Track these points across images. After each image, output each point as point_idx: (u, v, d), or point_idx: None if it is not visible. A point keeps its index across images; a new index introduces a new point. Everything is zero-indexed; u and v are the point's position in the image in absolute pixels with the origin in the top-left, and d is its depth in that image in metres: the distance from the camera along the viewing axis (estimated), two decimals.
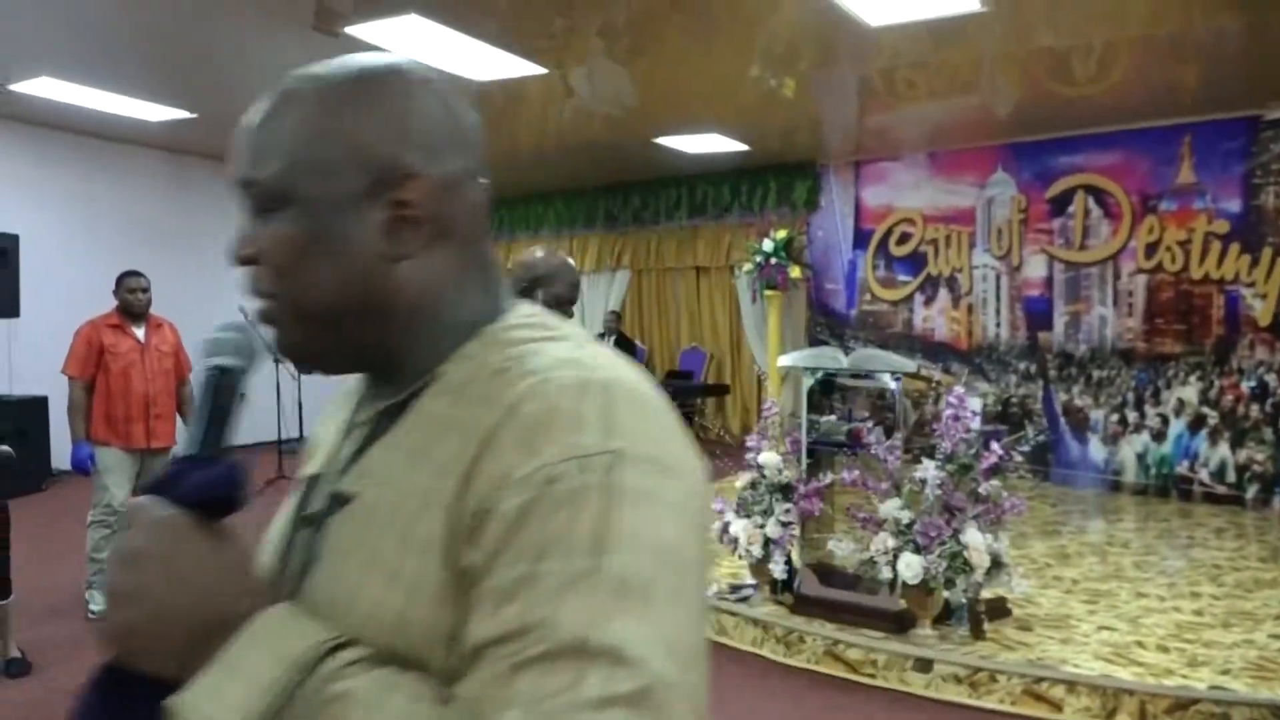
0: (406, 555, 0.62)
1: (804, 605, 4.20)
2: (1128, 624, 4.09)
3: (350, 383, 0.83)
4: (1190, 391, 7.10)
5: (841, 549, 4.05)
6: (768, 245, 8.51)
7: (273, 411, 7.89)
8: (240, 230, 0.72)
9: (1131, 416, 7.36)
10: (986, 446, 3.86)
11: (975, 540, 3.67)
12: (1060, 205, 7.67)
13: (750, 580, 4.48)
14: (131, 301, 4.44)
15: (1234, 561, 5.21)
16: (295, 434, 7.70)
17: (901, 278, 8.61)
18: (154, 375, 4.45)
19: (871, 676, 3.80)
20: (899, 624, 3.93)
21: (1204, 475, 7.02)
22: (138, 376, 4.39)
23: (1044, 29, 5.19)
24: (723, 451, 6.57)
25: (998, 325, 8.07)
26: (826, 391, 4.56)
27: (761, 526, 4.25)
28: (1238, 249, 6.88)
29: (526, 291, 2.60)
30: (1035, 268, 7.84)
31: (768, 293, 8.64)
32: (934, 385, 7.07)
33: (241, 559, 0.66)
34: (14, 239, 6.92)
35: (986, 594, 3.94)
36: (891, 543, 3.80)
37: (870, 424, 4.13)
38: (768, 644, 4.13)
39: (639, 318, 10.73)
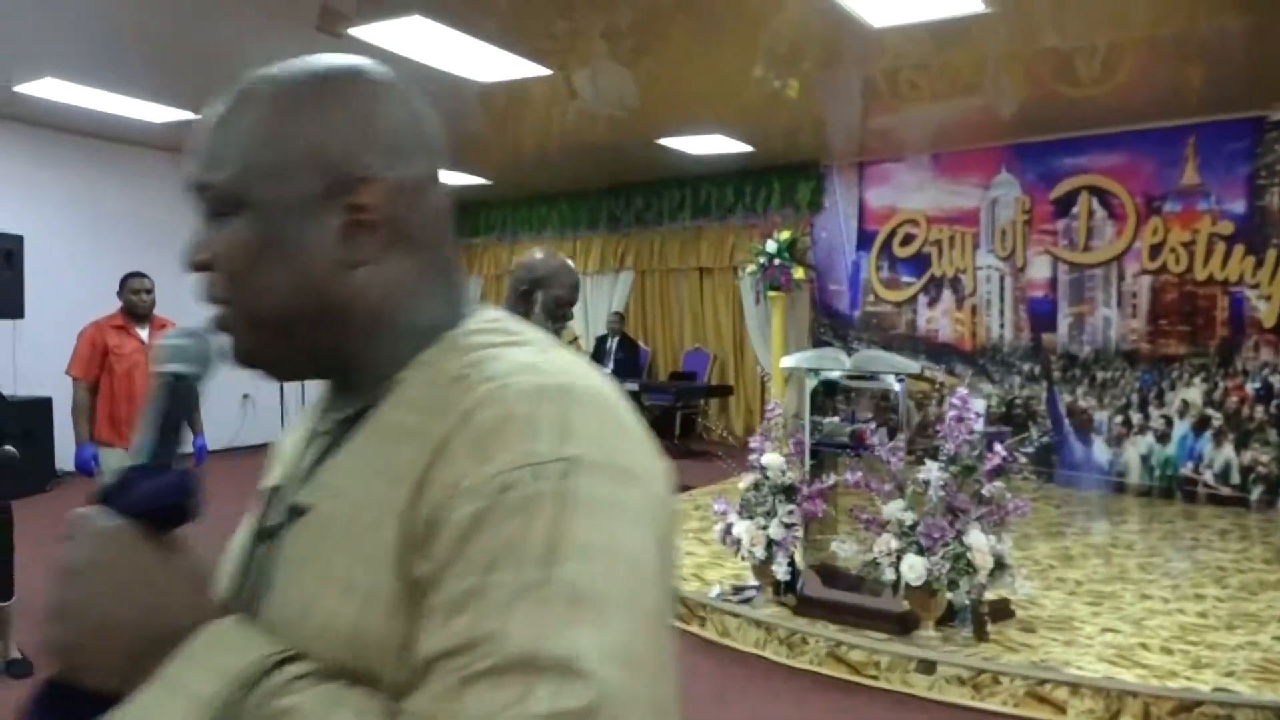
0: (359, 567, 0.60)
1: (807, 607, 4.19)
2: (1131, 626, 4.09)
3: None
4: (1194, 393, 7.09)
5: (844, 550, 4.05)
6: (771, 246, 8.51)
7: (276, 412, 7.91)
8: (194, 235, 0.70)
9: (1136, 418, 7.35)
10: (990, 448, 3.85)
11: (979, 542, 3.66)
12: (1064, 206, 7.66)
13: (753, 582, 4.47)
14: (135, 302, 4.44)
15: (1238, 563, 5.20)
16: None
17: (905, 279, 8.60)
18: None
19: (874, 678, 3.80)
20: (902, 625, 3.92)
21: (1208, 477, 7.00)
22: (141, 378, 4.39)
23: (1048, 30, 5.18)
24: (726, 453, 6.56)
25: (1001, 326, 8.05)
26: (830, 393, 4.56)
27: (764, 528, 4.24)
28: (1242, 250, 6.87)
29: (526, 294, 2.59)
30: (1039, 269, 7.83)
31: (771, 294, 8.63)
32: (937, 386, 7.06)
33: (190, 571, 0.64)
34: (18, 240, 6.93)
35: (990, 596, 3.93)
36: (895, 544, 3.80)
37: (873, 425, 4.12)
38: (771, 645, 4.13)
39: (642, 319, 10.73)
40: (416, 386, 0.66)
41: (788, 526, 4.21)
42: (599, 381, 0.64)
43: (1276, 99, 6.51)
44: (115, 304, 4.50)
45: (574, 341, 11.73)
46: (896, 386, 4.20)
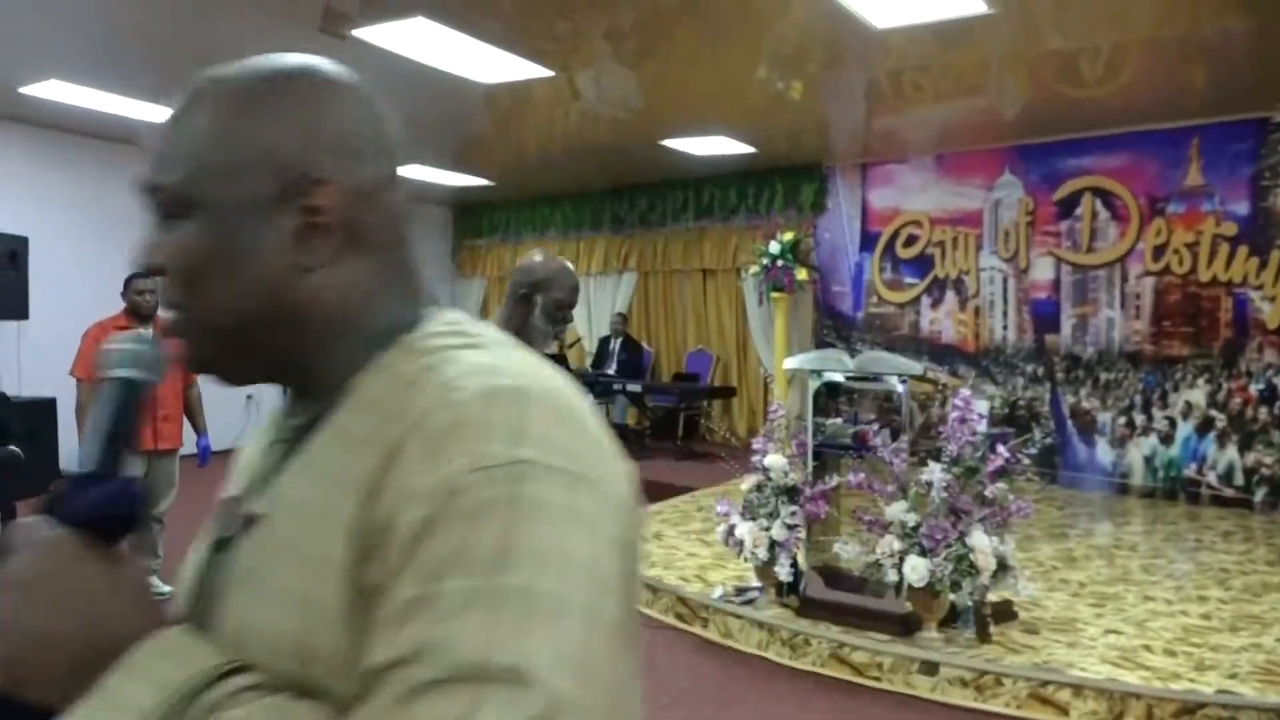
0: (309, 577, 0.59)
1: (809, 608, 4.19)
2: (1135, 627, 4.08)
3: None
4: (1198, 394, 7.08)
5: (847, 552, 4.05)
6: (774, 247, 8.52)
7: None
8: (145, 238, 0.68)
9: (1139, 419, 7.34)
10: (993, 449, 3.85)
11: (981, 543, 3.66)
12: (1068, 207, 7.66)
13: (756, 583, 4.47)
14: (139, 303, 4.45)
15: (1242, 565, 5.19)
16: None
17: (908, 280, 8.60)
18: None
19: (877, 679, 3.80)
20: (905, 627, 3.92)
21: (1212, 478, 6.99)
22: None
23: (1051, 31, 5.18)
24: (729, 454, 6.57)
25: (1005, 328, 8.05)
26: (833, 394, 4.56)
27: (767, 529, 4.24)
28: (1246, 251, 6.86)
29: (526, 297, 2.58)
30: (1042, 270, 7.82)
31: (774, 295, 8.64)
32: (940, 388, 7.07)
33: (133, 583, 0.62)
34: (23, 241, 6.94)
35: (993, 597, 3.93)
36: (897, 545, 3.80)
37: (876, 426, 4.12)
38: (773, 647, 4.13)
39: (645, 320, 10.73)
40: (372, 390, 0.64)
41: (790, 528, 4.21)
42: (558, 383, 0.63)
43: None
44: (119, 305, 4.51)
45: (577, 343, 11.73)
46: (899, 388, 4.20)
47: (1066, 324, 7.71)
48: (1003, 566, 3.73)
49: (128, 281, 4.51)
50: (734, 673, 3.98)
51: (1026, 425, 7.54)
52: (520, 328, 2.57)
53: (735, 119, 7.43)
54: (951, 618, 3.97)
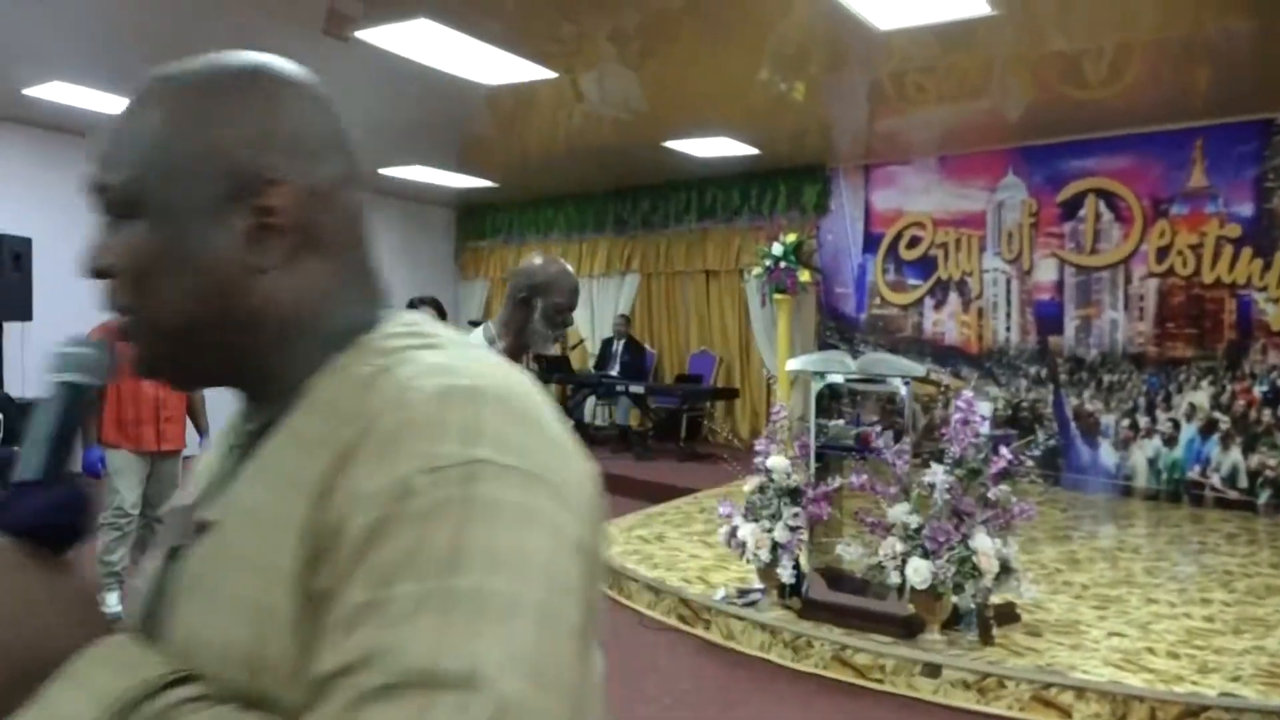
0: (260, 585, 0.57)
1: (812, 610, 4.19)
2: (1138, 630, 4.07)
3: None
4: (1202, 396, 7.07)
5: (850, 553, 4.04)
6: (777, 249, 8.52)
7: None
8: (93, 240, 0.67)
9: (1143, 421, 7.33)
10: (996, 451, 3.84)
11: (984, 545, 3.66)
12: (1071, 209, 7.65)
13: (758, 585, 4.47)
14: None
15: (1245, 567, 5.18)
16: None
17: (911, 281, 8.59)
18: None
19: (879, 682, 3.79)
20: (907, 629, 3.92)
21: (1215, 480, 6.98)
22: (148, 380, 4.40)
23: (1054, 32, 5.17)
24: (731, 455, 6.57)
25: (1008, 329, 8.04)
26: (835, 396, 4.55)
27: (769, 531, 4.24)
28: (1250, 253, 6.85)
29: (525, 301, 2.56)
30: (1046, 272, 7.81)
31: (777, 296, 8.64)
32: (943, 389, 7.07)
33: (77, 592, 0.61)
34: (27, 242, 6.94)
35: (995, 599, 3.92)
36: (900, 547, 3.79)
37: (879, 428, 4.11)
38: (775, 649, 4.13)
39: (648, 321, 10.73)
40: (327, 392, 0.63)
41: (793, 529, 4.20)
42: (517, 382, 0.61)
43: None
44: None
45: (580, 344, 11.73)
46: (902, 389, 4.20)
47: (1070, 326, 7.70)
48: (1005, 569, 3.72)
49: None
50: (736, 674, 3.98)
51: (1030, 427, 7.52)
52: (520, 331, 2.56)
53: (738, 120, 7.43)
54: (954, 620, 3.97)
